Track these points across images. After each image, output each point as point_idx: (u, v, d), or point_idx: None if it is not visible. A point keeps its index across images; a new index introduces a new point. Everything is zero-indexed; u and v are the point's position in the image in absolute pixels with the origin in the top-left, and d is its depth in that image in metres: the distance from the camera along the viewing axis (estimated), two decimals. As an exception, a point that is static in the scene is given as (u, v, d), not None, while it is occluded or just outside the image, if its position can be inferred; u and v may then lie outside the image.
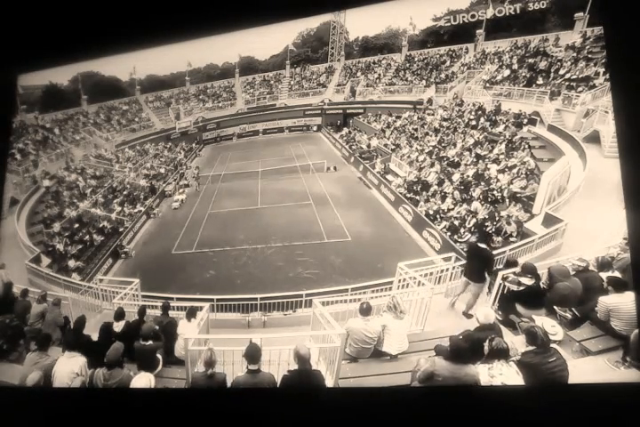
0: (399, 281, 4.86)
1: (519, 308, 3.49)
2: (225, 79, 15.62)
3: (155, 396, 3.43)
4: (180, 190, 10.96)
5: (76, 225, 8.59)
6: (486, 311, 3.19)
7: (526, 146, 6.64)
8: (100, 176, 10.93)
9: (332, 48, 14.22)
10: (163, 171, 12.32)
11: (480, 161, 7.15)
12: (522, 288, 3.52)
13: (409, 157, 9.36)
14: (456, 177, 7.37)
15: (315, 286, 5.95)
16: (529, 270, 3.55)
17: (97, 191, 10.16)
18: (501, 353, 2.57)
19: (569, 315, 3.38)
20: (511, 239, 5.24)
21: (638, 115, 3.12)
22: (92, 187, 10.25)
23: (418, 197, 7.74)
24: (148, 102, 14.57)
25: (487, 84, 8.97)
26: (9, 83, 5.55)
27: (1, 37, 4.75)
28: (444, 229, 6.48)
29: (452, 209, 6.69)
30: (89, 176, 10.68)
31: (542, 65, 7.88)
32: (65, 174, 10.32)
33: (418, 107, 10.92)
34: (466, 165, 7.45)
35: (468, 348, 2.64)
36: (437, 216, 6.86)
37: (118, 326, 4.03)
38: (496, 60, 9.21)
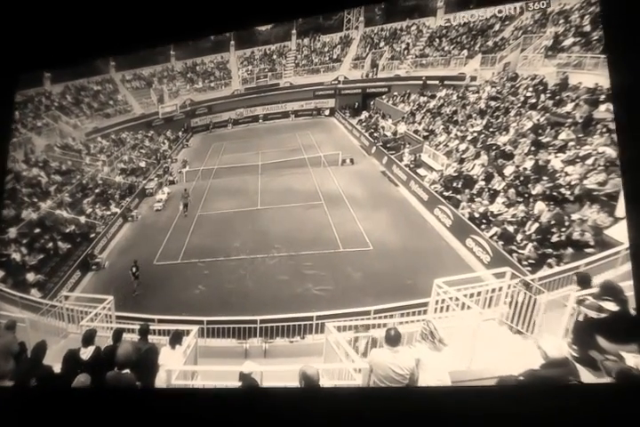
0: (436, 302, 4.79)
1: (601, 341, 3.29)
2: (218, 54, 15.85)
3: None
4: (164, 188, 11.08)
5: (37, 230, 8.69)
6: (556, 343, 3.01)
7: (604, 129, 6.39)
8: (66, 171, 11.10)
9: (349, 13, 14.26)
10: (143, 165, 12.47)
11: (541, 150, 6.96)
12: (604, 315, 3.33)
13: (446, 145, 9.25)
14: (509, 171, 7.21)
15: (328, 307, 5.91)
16: (613, 292, 3.36)
17: (63, 189, 10.31)
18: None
19: (674, 352, 3.17)
20: (587, 251, 5.06)
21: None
22: (57, 184, 10.42)
23: (459, 197, 7.65)
24: (124, 82, 14.86)
25: (549, 52, 8.74)
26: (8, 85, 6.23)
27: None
28: (495, 237, 6.34)
29: (506, 211, 6.56)
30: (53, 171, 10.86)
31: (625, 24, 7.72)
32: (23, 168, 10.52)
33: (458, 83, 10.82)
34: (522, 154, 7.26)
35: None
36: (485, 220, 6.73)
37: (86, 353, 4.01)
38: (561, 21, 8.95)
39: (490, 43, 10.61)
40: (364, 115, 13.19)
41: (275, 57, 15.37)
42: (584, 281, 3.84)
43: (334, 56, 14.66)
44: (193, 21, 5.11)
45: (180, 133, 14.60)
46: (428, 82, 11.76)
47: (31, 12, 5.30)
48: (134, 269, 7.51)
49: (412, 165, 9.62)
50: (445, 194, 7.97)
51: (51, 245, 8.40)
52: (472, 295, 4.59)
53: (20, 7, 5.23)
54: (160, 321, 5.73)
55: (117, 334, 4.24)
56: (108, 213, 9.93)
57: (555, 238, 5.46)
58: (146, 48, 6.66)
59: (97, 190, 10.70)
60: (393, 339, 3.39)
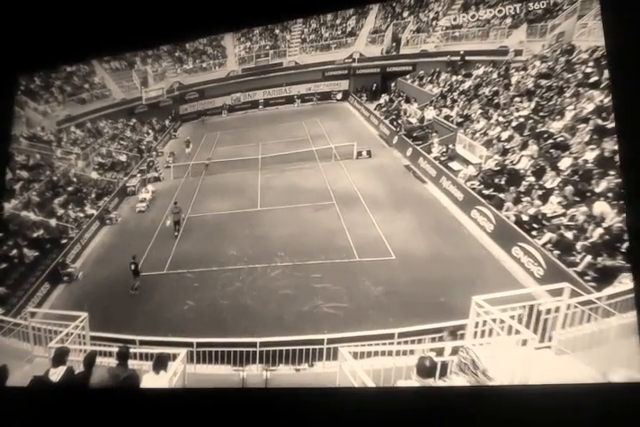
0: (476, 325, 4.72)
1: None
2: (211, 28, 15.99)
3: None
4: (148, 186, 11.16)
5: None
6: (630, 377, 2.97)
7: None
8: (34, 166, 11.24)
9: (366, -22, 14.23)
10: (124, 159, 12.60)
11: (606, 138, 6.75)
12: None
13: (486, 134, 9.19)
14: (565, 164, 7.12)
15: (341, 328, 5.90)
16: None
17: (30, 187, 10.42)
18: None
19: None
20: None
21: None
22: (23, 180, 10.53)
23: (502, 195, 7.60)
24: (102, 62, 15.00)
25: (615, 18, 8.67)
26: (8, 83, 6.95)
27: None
28: (550, 245, 6.24)
29: (562, 214, 6.47)
30: (18, 165, 10.97)
31: None
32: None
33: (499, 58, 10.67)
34: (582, 144, 7.14)
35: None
36: (536, 224, 6.66)
37: (56, 374, 4.02)
38: (630, -21, 8.93)
39: (538, 9, 10.46)
40: (384, 98, 13.15)
41: (277, 31, 15.38)
42: None
43: (348, 29, 14.63)
44: (192, 21, 5.72)
45: (167, 122, 14.71)
46: (461, 59, 11.69)
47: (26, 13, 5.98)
48: (133, 267, 7.75)
49: (442, 158, 9.57)
50: (485, 192, 7.94)
51: (15, 252, 8.47)
52: (520, 317, 4.53)
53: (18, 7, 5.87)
54: (142, 343, 5.76)
55: (90, 359, 4.25)
56: (83, 215, 10.02)
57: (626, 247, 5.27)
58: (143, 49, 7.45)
59: (70, 188, 10.81)
60: (427, 370, 3.41)
